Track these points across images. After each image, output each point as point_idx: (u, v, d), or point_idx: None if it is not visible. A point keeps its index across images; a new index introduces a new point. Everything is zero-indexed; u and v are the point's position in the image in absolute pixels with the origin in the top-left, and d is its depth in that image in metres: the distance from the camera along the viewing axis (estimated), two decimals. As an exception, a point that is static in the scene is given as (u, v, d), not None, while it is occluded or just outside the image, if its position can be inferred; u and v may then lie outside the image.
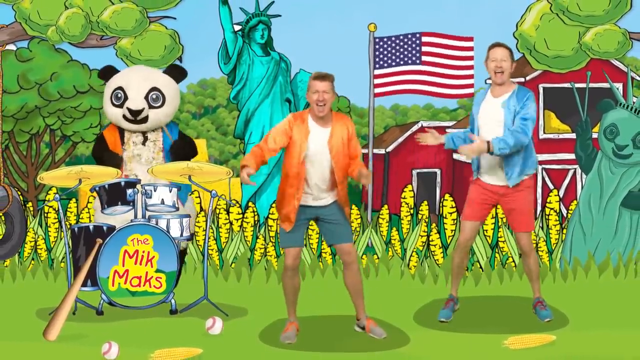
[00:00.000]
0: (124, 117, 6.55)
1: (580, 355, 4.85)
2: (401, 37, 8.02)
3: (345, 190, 5.19)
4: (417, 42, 8.00)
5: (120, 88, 6.57)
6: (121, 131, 6.64)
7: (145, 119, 6.54)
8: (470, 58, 8.10)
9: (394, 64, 8.02)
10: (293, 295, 5.25)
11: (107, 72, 6.73)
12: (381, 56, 8.06)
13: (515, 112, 5.37)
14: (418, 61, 8.00)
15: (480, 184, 5.59)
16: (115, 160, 6.48)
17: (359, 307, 5.33)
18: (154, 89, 6.60)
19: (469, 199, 5.63)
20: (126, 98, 6.53)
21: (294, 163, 5.07)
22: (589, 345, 5.09)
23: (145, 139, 6.63)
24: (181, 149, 6.64)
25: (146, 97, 6.56)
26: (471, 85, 8.05)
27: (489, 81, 5.61)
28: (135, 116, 6.50)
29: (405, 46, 8.01)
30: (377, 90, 8.07)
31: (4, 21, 7.27)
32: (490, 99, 5.50)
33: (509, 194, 5.51)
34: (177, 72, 6.81)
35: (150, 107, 6.54)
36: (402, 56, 8.02)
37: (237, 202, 7.58)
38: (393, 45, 8.02)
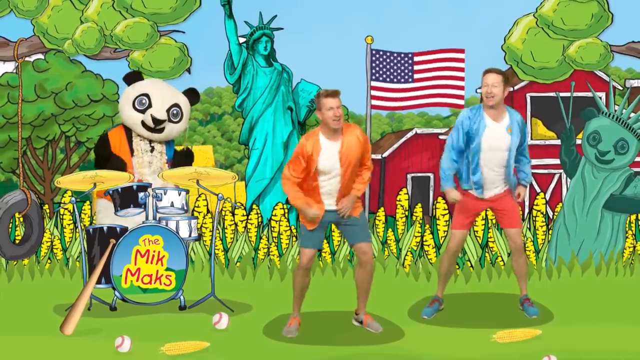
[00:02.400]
0: (143, 122, 6.58)
1: (564, 348, 4.86)
2: (395, 55, 8.08)
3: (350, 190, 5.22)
4: (410, 61, 8.07)
5: (146, 95, 6.59)
6: (129, 137, 6.68)
7: (161, 130, 6.59)
8: (462, 69, 8.15)
9: (388, 80, 8.08)
10: (301, 292, 5.29)
11: (133, 77, 6.75)
12: (377, 69, 8.12)
13: (519, 139, 5.50)
14: (411, 80, 8.06)
15: (472, 196, 5.57)
16: (120, 165, 6.50)
17: (362, 303, 5.38)
18: (176, 105, 6.65)
19: (460, 208, 5.62)
20: (150, 106, 6.55)
21: (310, 177, 5.13)
22: (573, 339, 5.13)
23: (152, 148, 6.68)
24: (182, 161, 6.69)
25: (168, 110, 6.61)
26: (462, 97, 8.09)
27: (479, 90, 5.66)
28: (157, 125, 6.54)
29: (399, 64, 8.08)
30: (374, 102, 8.13)
31: (24, 35, 7.31)
32: (493, 125, 5.47)
33: (499, 199, 5.56)
34: (193, 96, 6.87)
35: (170, 120, 6.60)
36: (395, 74, 8.09)
37: (242, 204, 7.61)
38: (388, 61, 8.09)
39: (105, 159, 6.53)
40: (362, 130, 5.26)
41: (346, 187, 5.19)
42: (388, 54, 8.08)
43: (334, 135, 5.13)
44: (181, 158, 6.74)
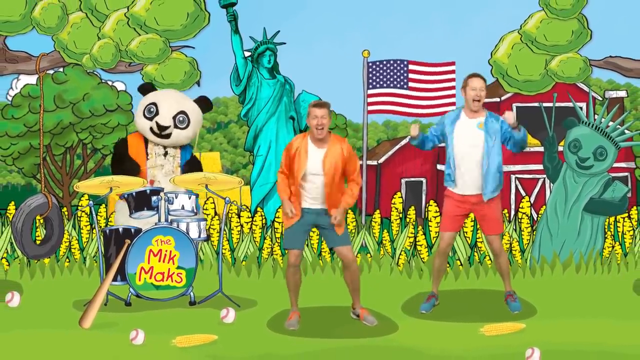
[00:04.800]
0: (151, 129, 6.67)
1: (546, 341, 4.91)
2: (391, 62, 8.16)
3: (339, 200, 5.21)
4: (405, 68, 8.14)
5: (154, 104, 6.68)
6: (146, 141, 6.77)
7: (168, 135, 6.67)
8: (452, 80, 8.23)
9: (384, 85, 8.16)
10: (295, 288, 5.33)
11: (147, 89, 6.85)
12: (373, 77, 8.21)
13: (496, 132, 5.43)
14: (405, 86, 8.14)
15: (455, 197, 5.56)
16: (135, 168, 6.57)
17: (355, 299, 5.43)
18: (182, 112, 6.72)
19: (446, 212, 5.62)
20: (157, 113, 6.64)
21: (294, 177, 5.19)
22: (554, 332, 5.18)
23: (166, 152, 6.76)
24: (194, 168, 6.80)
25: (174, 117, 6.69)
26: (453, 104, 8.18)
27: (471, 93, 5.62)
28: (161, 131, 6.62)
29: (394, 70, 8.15)
30: (370, 107, 8.20)
31: (45, 50, 7.37)
32: (466, 120, 5.49)
33: (481, 203, 5.54)
34: (205, 104, 6.95)
35: (176, 126, 6.68)
36: (391, 79, 8.16)
37: (247, 207, 7.67)
38: (384, 68, 8.17)
39: (121, 158, 6.61)
40: (349, 146, 5.27)
41: (331, 194, 5.18)
42: (384, 62, 8.16)
43: (319, 143, 5.19)
44: (192, 165, 6.85)
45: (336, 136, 5.30)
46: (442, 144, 5.67)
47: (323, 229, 5.31)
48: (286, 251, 5.33)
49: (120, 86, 8.06)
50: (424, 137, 5.59)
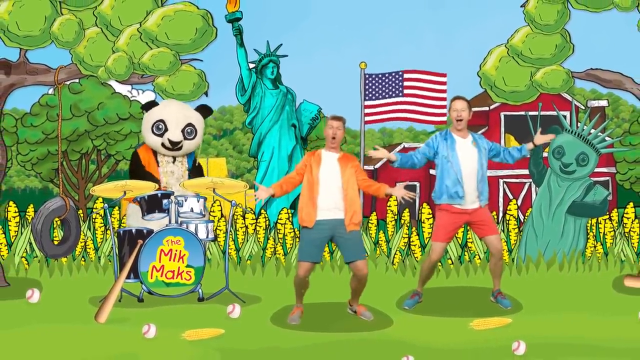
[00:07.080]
0: (163, 145, 6.78)
1: (531, 334, 4.95)
2: (387, 75, 8.26)
3: (356, 210, 5.26)
4: (400, 78, 8.24)
5: (162, 121, 6.81)
6: (154, 152, 6.89)
7: (180, 148, 6.80)
8: (444, 91, 8.31)
9: (380, 97, 8.25)
10: (301, 291, 5.38)
11: (150, 105, 6.98)
12: (370, 89, 8.30)
13: (485, 149, 5.67)
14: (400, 94, 8.23)
15: (452, 210, 5.60)
16: (151, 180, 6.66)
17: (354, 300, 5.49)
18: (189, 124, 6.84)
19: (441, 224, 5.63)
20: (166, 130, 6.76)
21: (308, 184, 5.29)
22: (539, 326, 5.23)
23: (174, 159, 6.88)
24: (196, 174, 6.89)
25: (182, 131, 6.81)
26: (444, 115, 8.26)
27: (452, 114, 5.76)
28: (174, 146, 6.75)
29: (390, 82, 8.24)
30: (367, 118, 8.29)
31: (63, 63, 7.43)
32: (460, 140, 5.64)
33: (477, 210, 5.63)
34: (205, 111, 7.08)
35: (185, 138, 6.80)
36: (387, 90, 8.25)
37: (252, 209, 7.74)
38: (380, 81, 8.26)
39: (139, 176, 6.73)
40: (358, 163, 5.46)
41: (351, 198, 5.24)
42: (380, 75, 8.25)
43: (334, 151, 5.35)
44: (196, 171, 6.98)
45: (346, 154, 5.46)
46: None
47: (339, 240, 5.30)
48: (297, 263, 5.32)
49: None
50: (403, 159, 5.72)
